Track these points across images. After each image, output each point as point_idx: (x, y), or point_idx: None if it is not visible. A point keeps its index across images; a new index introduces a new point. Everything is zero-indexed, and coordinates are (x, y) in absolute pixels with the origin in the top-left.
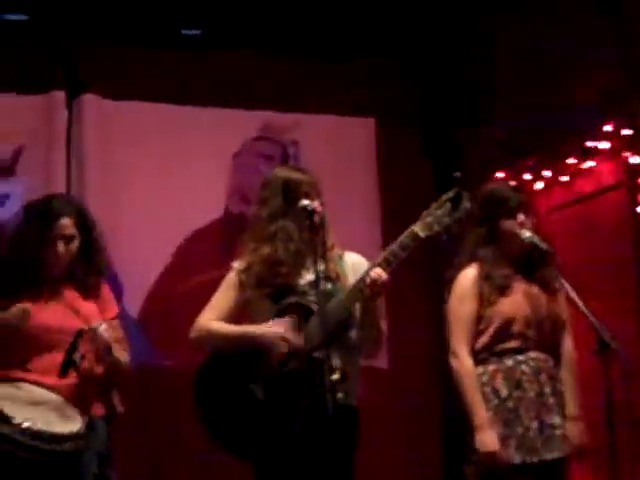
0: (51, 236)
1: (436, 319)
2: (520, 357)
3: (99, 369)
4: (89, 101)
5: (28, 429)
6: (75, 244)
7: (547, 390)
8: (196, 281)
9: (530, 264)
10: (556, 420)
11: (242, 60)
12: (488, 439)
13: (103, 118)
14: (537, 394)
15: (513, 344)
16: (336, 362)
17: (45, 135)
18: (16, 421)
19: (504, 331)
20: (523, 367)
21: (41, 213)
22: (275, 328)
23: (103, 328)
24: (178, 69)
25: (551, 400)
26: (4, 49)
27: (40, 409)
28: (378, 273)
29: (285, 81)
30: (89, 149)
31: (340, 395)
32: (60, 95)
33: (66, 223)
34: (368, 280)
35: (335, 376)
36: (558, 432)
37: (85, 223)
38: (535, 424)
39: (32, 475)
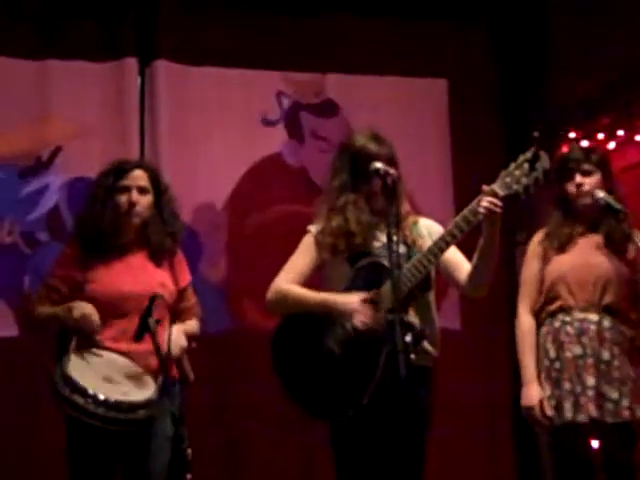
0: (125, 184)
1: (509, 280)
2: (567, 318)
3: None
4: (162, 67)
5: (101, 400)
6: (148, 199)
7: (588, 351)
8: (272, 240)
9: (603, 224)
10: (590, 382)
11: (315, 24)
12: (529, 394)
13: (176, 84)
14: (577, 356)
15: (560, 304)
16: (414, 322)
17: (118, 102)
18: (90, 392)
19: (552, 291)
20: (567, 328)
21: (116, 167)
22: (350, 299)
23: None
24: (250, 34)
25: (589, 361)
26: (76, 17)
27: (114, 377)
28: (489, 201)
29: (356, 43)
30: (162, 116)
31: (413, 356)
32: (132, 62)
33: (140, 175)
34: (482, 209)
35: (408, 338)
36: (590, 394)
37: (158, 184)
38: (578, 386)
39: (107, 441)
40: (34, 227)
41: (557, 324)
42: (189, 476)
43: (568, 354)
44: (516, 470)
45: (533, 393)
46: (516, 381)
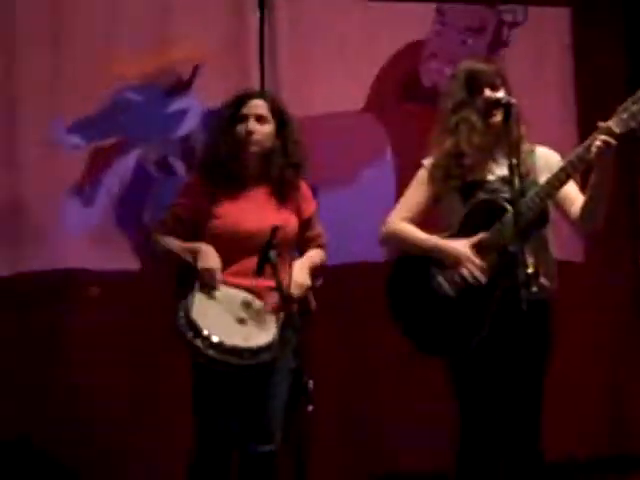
0: (243, 113)
1: (632, 214)
2: None
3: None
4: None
5: (222, 345)
6: (268, 128)
7: None
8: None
9: None
10: None
11: None
12: None
13: (296, 16)
14: None
15: None
16: (529, 257)
17: (237, 37)
18: (213, 339)
19: None
20: None
21: (236, 97)
22: (462, 247)
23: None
24: None
25: None
26: None
27: (236, 317)
28: (603, 139)
29: None
30: (282, 49)
31: (534, 290)
32: None
33: (259, 103)
34: (595, 148)
35: (529, 270)
36: None
37: (281, 114)
38: None
39: (230, 384)
40: (169, 152)
41: None
42: (310, 407)
43: None
44: None
45: None
46: None
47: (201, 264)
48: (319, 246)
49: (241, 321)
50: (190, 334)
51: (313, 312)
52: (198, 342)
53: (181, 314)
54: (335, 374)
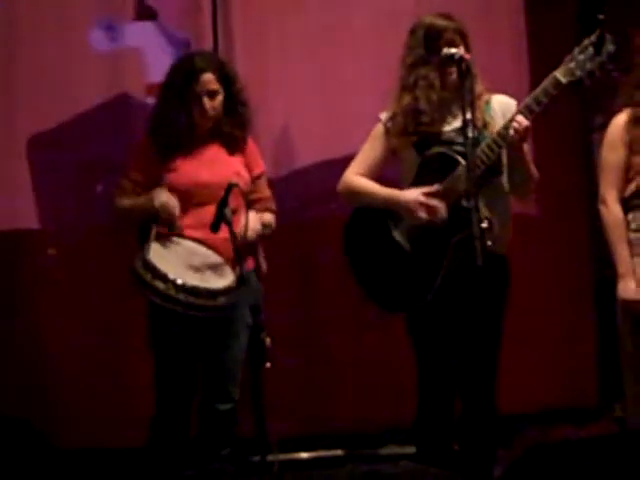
0: (196, 91)
1: (585, 165)
2: None
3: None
4: None
5: (182, 285)
6: (219, 99)
7: None
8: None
9: None
10: None
11: None
12: (628, 287)
13: None
14: None
15: None
16: (484, 210)
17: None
18: (171, 277)
19: None
20: None
21: (185, 70)
22: (414, 194)
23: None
24: None
25: None
26: None
27: (194, 264)
28: (519, 121)
29: None
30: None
31: (489, 243)
32: None
33: (209, 78)
34: (512, 130)
35: (484, 224)
36: None
37: (227, 77)
38: None
39: (189, 328)
40: None
41: None
42: (268, 364)
43: None
44: (597, 353)
45: (632, 286)
46: (597, 265)
47: (157, 202)
48: (268, 209)
49: (197, 269)
50: (149, 276)
51: (264, 273)
52: (157, 282)
53: (138, 259)
54: (293, 331)
